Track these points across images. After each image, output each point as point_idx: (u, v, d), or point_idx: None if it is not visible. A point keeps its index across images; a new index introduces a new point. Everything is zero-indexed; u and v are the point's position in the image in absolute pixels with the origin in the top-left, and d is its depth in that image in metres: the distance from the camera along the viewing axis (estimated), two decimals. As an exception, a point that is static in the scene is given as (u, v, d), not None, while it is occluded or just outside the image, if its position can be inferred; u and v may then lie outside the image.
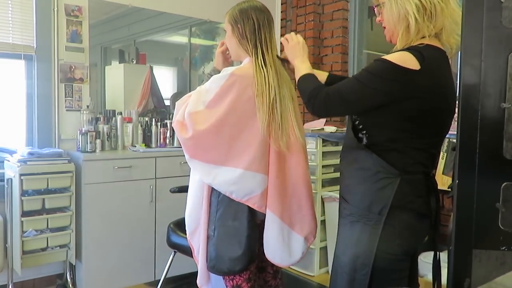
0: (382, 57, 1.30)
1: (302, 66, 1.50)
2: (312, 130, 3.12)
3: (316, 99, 1.36)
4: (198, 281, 1.71)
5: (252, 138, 1.56)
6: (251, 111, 1.56)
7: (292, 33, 1.61)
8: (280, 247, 1.63)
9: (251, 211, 1.59)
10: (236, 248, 1.57)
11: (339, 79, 1.48)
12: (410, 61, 1.24)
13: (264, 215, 1.61)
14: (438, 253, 1.47)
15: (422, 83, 1.25)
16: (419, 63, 1.24)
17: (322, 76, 1.61)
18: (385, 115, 1.31)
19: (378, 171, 1.32)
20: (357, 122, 1.39)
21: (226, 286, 1.64)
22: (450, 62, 1.38)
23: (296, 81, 1.48)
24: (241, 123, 1.55)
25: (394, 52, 1.31)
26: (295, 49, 1.56)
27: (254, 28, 1.61)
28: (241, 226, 1.58)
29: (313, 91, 1.38)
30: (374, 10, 1.44)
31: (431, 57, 1.27)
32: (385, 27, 1.41)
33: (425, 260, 2.47)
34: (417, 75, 1.24)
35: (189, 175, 1.71)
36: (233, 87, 1.54)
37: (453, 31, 1.33)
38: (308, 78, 1.45)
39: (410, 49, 1.28)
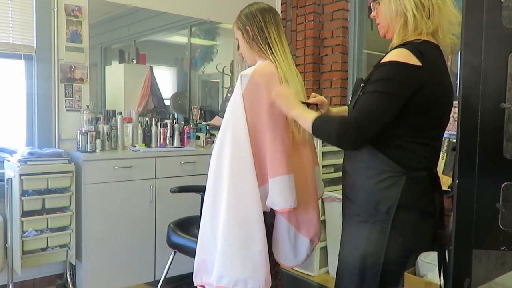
0: (383, 61, 1.29)
1: (304, 112, 1.43)
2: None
3: (348, 132, 1.29)
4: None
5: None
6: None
7: (281, 87, 1.52)
8: (286, 247, 1.63)
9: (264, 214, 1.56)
10: None
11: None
12: (411, 58, 1.25)
13: (273, 217, 1.60)
14: (443, 252, 1.47)
15: (425, 78, 1.26)
16: (419, 59, 1.25)
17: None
18: None
19: (383, 169, 1.32)
20: None
21: None
22: (446, 60, 1.38)
23: (311, 128, 1.37)
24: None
25: (391, 50, 1.32)
26: (289, 100, 1.47)
27: (261, 25, 1.61)
28: None
29: (339, 127, 1.31)
30: (370, 5, 1.44)
31: (428, 52, 1.28)
32: (379, 23, 1.42)
33: (425, 260, 2.47)
34: (420, 71, 1.25)
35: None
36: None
37: (449, 31, 1.34)
38: (323, 119, 1.40)
39: (406, 45, 1.28)
